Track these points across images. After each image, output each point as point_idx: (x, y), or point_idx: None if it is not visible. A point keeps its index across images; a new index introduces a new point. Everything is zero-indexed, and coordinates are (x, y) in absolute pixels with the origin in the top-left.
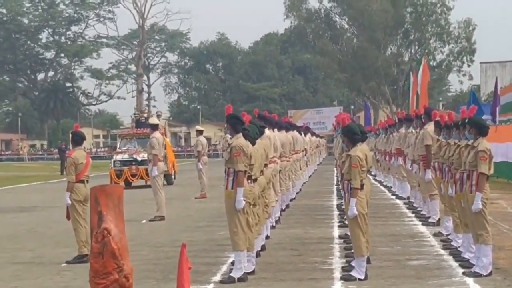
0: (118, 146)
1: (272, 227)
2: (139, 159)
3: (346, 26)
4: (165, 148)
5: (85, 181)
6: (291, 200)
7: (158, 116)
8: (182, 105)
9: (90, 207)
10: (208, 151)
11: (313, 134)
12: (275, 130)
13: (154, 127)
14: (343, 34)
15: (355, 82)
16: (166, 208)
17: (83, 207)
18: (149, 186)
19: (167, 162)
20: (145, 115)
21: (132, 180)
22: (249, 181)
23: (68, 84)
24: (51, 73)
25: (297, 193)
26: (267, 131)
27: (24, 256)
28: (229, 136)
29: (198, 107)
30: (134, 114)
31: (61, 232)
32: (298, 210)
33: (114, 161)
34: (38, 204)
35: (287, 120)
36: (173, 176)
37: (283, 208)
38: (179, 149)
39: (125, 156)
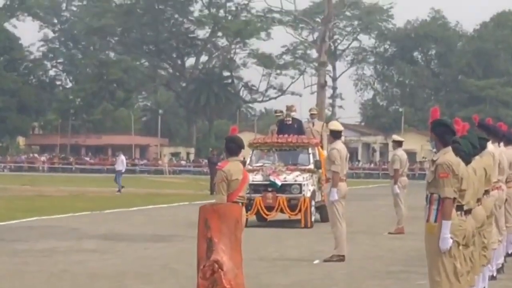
0: (248, 162)
1: (493, 277)
2: (279, 182)
3: None
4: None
5: (240, 204)
6: None
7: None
8: (379, 106)
9: (198, 231)
10: (412, 169)
11: None
12: (502, 144)
13: (336, 135)
14: None
15: None
16: (347, 245)
17: None
18: (293, 225)
19: (322, 190)
20: (294, 113)
21: (268, 215)
22: (459, 212)
23: (226, 73)
24: (204, 58)
25: None
26: (490, 146)
27: None
28: (434, 149)
29: (400, 109)
30: (276, 112)
31: None
32: None
33: None
34: (179, 232)
35: None
36: None
37: (510, 252)
38: (372, 165)
39: (258, 178)
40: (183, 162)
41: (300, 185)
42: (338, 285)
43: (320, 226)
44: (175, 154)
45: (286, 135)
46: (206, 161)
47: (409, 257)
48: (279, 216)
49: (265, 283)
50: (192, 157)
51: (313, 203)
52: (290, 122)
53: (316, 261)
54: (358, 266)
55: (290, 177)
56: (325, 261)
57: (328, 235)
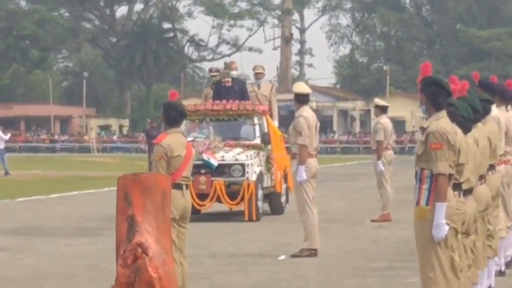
0: None
1: (500, 272)
2: (215, 162)
3: None
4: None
5: (184, 187)
6: None
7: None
8: (358, 64)
9: (116, 208)
10: (400, 142)
11: None
12: (509, 108)
13: (303, 99)
14: None
15: None
16: (320, 237)
17: (178, 228)
18: (232, 217)
19: (272, 172)
20: (234, 72)
21: (201, 206)
22: (457, 192)
23: (167, 26)
24: (138, 7)
25: None
26: (494, 110)
27: None
28: (424, 115)
29: (385, 67)
30: (211, 72)
31: None
32: None
33: None
34: (110, 224)
35: None
36: (283, 196)
37: None
38: (350, 137)
39: None
40: (114, 137)
41: (242, 165)
42: (309, 285)
43: (271, 219)
44: (105, 128)
45: (224, 101)
46: (143, 135)
47: (397, 250)
48: (215, 206)
49: (218, 285)
50: (126, 130)
51: (259, 189)
52: (230, 84)
53: (282, 257)
54: (334, 262)
55: (230, 156)
56: (293, 256)
57: (296, 225)
